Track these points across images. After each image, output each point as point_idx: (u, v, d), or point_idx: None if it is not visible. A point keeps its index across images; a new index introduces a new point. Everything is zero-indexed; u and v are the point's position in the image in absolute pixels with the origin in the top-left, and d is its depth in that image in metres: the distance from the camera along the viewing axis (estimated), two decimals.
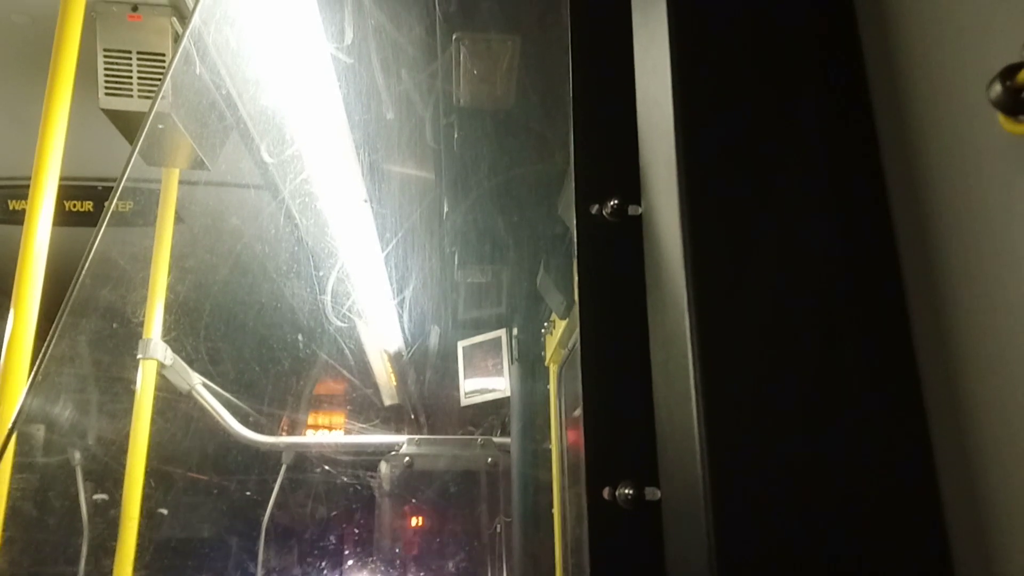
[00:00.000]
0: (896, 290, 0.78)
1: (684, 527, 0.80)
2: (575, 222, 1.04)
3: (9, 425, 1.62)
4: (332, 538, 4.30)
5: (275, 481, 3.89)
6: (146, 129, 2.41)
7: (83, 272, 1.56)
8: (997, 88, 0.57)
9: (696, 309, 0.78)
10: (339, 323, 3.64)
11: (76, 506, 3.66)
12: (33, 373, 1.66)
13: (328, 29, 2.02)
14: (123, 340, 3.05)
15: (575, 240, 1.03)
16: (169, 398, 3.08)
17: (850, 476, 0.73)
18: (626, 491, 0.90)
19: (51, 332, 1.57)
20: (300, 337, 3.93)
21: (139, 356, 2.76)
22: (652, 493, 0.90)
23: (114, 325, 3.10)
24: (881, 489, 0.73)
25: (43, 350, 1.59)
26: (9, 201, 3.46)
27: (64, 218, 3.06)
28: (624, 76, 1.07)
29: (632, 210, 1.02)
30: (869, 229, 0.80)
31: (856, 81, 0.86)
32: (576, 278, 1.01)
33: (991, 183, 0.66)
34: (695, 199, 0.82)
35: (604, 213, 1.02)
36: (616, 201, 1.02)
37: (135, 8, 2.41)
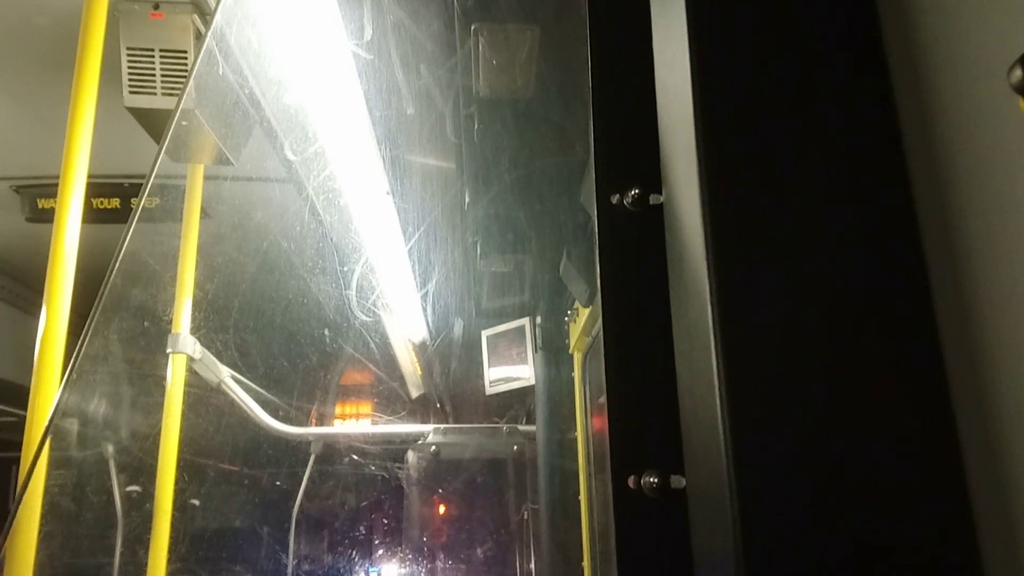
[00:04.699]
0: (920, 280, 0.78)
1: (709, 515, 0.80)
2: (596, 212, 1.04)
3: (46, 421, 1.65)
4: (361, 526, 4.34)
5: (304, 471, 3.94)
6: (172, 128, 2.43)
7: (115, 269, 1.58)
8: (1018, 73, 0.57)
9: (718, 299, 0.78)
10: (364, 317, 3.66)
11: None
12: (68, 370, 1.69)
13: (348, 26, 2.03)
14: (153, 335, 3.09)
15: (596, 230, 1.03)
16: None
17: (874, 465, 0.73)
18: (651, 479, 0.91)
19: (85, 329, 1.59)
20: (327, 331, 3.96)
21: (169, 350, 2.80)
22: (677, 481, 0.90)
23: (145, 323, 3.15)
24: (906, 478, 0.73)
25: (77, 348, 1.62)
26: (38, 200, 3.51)
27: (92, 215, 3.11)
28: (643, 65, 1.07)
29: (653, 199, 1.02)
30: (891, 217, 0.80)
31: (877, 69, 0.85)
32: (598, 268, 1.02)
33: (1013, 169, 0.66)
34: (716, 188, 0.82)
35: (625, 203, 1.03)
36: (637, 191, 1.02)
37: (156, 6, 2.43)
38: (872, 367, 0.76)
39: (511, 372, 3.65)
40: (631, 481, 0.92)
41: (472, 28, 1.85)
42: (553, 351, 3.48)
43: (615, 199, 1.03)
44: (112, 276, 1.57)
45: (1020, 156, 0.65)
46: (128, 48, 2.42)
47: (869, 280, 0.78)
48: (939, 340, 0.76)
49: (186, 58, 2.43)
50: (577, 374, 3.29)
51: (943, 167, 0.76)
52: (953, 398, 0.74)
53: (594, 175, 1.06)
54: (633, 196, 1.02)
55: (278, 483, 4.15)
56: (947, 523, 0.71)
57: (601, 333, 1.00)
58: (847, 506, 0.72)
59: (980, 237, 0.71)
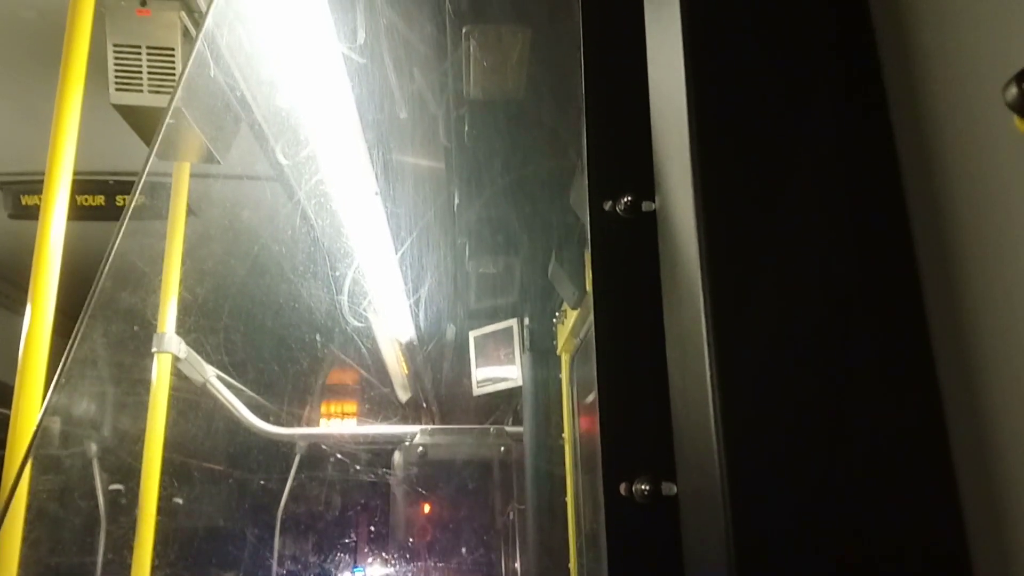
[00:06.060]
0: (912, 289, 0.78)
1: (701, 522, 0.80)
2: (588, 219, 1.04)
3: (34, 423, 1.64)
4: (347, 527, 4.32)
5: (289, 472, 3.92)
6: (164, 127, 2.41)
7: (105, 268, 1.57)
8: (1013, 90, 0.57)
9: (712, 306, 0.78)
10: (353, 320, 3.65)
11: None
12: (58, 372, 1.67)
13: (340, 28, 2.02)
14: (137, 334, 3.07)
15: (589, 237, 1.03)
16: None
17: (867, 471, 0.73)
18: (642, 486, 0.90)
19: (75, 331, 1.58)
20: (312, 333, 3.95)
21: (154, 350, 2.78)
22: (669, 488, 0.90)
23: (132, 324, 3.12)
24: (898, 484, 0.73)
25: (68, 348, 1.60)
26: (22, 196, 3.48)
27: (76, 212, 3.08)
28: (637, 70, 1.07)
29: (646, 206, 1.01)
30: (885, 226, 0.80)
31: (871, 78, 0.85)
32: (590, 276, 1.01)
33: (1007, 186, 0.66)
34: (710, 195, 0.82)
35: (618, 209, 1.02)
36: (630, 197, 1.02)
37: (144, 2, 2.41)
38: (865, 376, 0.76)
39: (498, 373, 3.64)
40: (622, 488, 0.92)
41: (464, 30, 1.84)
42: (540, 353, 3.48)
43: (608, 206, 1.03)
44: (103, 276, 1.56)
45: (1014, 173, 0.65)
46: (115, 44, 2.40)
47: (862, 288, 0.79)
48: (931, 349, 0.76)
49: (173, 55, 2.41)
50: (564, 375, 3.29)
51: (937, 182, 0.77)
52: (946, 409, 0.75)
53: (586, 181, 1.05)
54: (626, 203, 1.02)
55: (263, 483, 4.13)
56: (940, 532, 0.72)
57: (588, 334, 1.00)
58: (840, 514, 0.72)
59: (973, 251, 0.72)
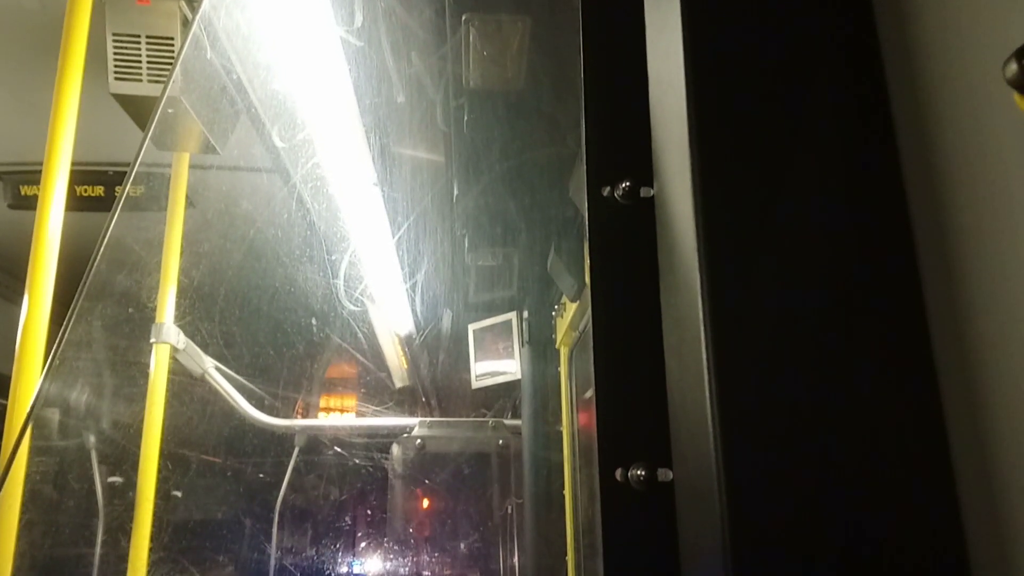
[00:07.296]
0: (911, 275, 0.78)
1: (697, 508, 0.80)
2: (587, 204, 1.03)
3: (27, 409, 1.64)
4: (344, 519, 4.33)
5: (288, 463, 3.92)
6: (157, 114, 2.41)
7: (98, 256, 1.57)
8: (1013, 67, 0.56)
9: (709, 292, 0.78)
10: (352, 307, 3.65)
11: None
12: (51, 358, 1.67)
13: (338, 12, 2.01)
14: (136, 324, 3.07)
15: (587, 223, 1.03)
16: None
17: (862, 459, 0.73)
18: (638, 472, 0.90)
19: (67, 317, 1.58)
20: (308, 320, 3.94)
21: (152, 340, 2.77)
22: (664, 474, 0.90)
23: (130, 310, 3.12)
24: (894, 472, 0.73)
25: (60, 335, 1.60)
26: (21, 186, 3.47)
27: (75, 203, 3.07)
28: (636, 56, 1.07)
29: (644, 192, 1.01)
30: (884, 212, 0.80)
31: (871, 62, 0.85)
32: (588, 261, 1.01)
33: (1008, 164, 0.66)
34: (708, 181, 0.82)
35: (616, 195, 1.02)
36: (628, 183, 1.02)
37: None
38: (862, 361, 0.76)
39: (497, 366, 3.64)
40: (618, 474, 0.92)
41: (463, 18, 1.84)
42: (540, 346, 3.48)
43: (606, 191, 1.03)
44: (96, 263, 1.55)
45: (1014, 151, 0.65)
46: (114, 34, 2.39)
47: (860, 274, 0.78)
48: (929, 335, 0.76)
49: (172, 45, 2.41)
50: (563, 369, 3.29)
51: (936, 161, 0.76)
52: (942, 394, 0.74)
53: (585, 167, 1.05)
54: (624, 189, 1.01)
55: (261, 475, 4.13)
56: (935, 516, 0.72)
57: (588, 328, 1.00)
58: (835, 500, 0.72)
59: (972, 232, 0.71)
